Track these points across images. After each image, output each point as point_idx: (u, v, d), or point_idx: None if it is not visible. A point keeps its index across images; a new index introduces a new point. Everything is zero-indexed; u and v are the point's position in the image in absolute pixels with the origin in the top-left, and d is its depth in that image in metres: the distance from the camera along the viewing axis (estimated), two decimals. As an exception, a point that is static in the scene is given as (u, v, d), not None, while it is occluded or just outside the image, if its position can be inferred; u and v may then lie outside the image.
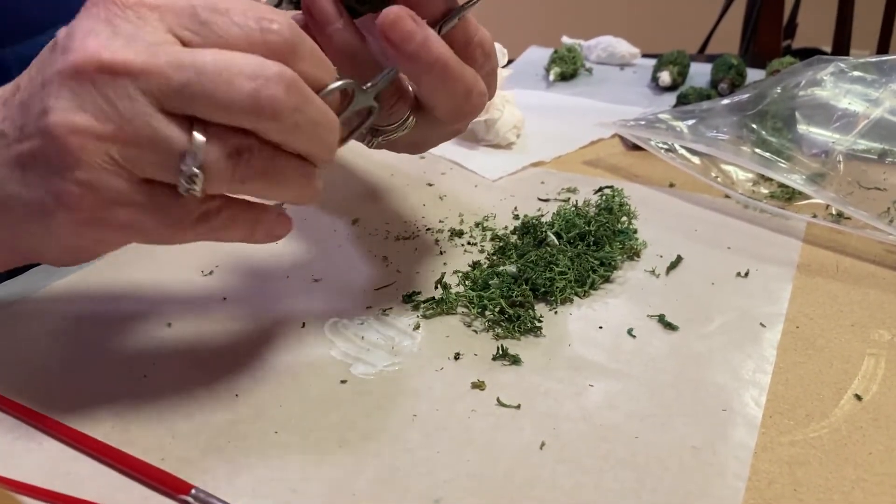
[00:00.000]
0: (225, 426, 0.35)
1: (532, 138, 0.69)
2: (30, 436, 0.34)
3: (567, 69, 0.87)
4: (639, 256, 0.49)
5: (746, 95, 0.62)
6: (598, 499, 0.31)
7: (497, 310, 0.42)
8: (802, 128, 0.61)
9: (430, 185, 0.60)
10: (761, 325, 0.42)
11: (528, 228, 0.50)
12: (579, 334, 0.42)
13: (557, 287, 0.44)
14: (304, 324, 0.42)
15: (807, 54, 1.50)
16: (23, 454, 0.33)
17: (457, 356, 0.40)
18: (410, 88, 0.37)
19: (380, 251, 0.50)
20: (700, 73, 0.87)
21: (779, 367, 0.39)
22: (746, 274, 0.47)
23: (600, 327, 0.42)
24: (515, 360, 0.39)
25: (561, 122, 0.72)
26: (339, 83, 0.32)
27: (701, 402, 0.37)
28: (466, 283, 0.45)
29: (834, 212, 0.55)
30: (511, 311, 0.42)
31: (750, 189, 0.58)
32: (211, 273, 0.47)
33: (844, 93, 0.61)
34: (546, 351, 0.40)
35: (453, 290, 0.45)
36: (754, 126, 0.59)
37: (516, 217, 0.54)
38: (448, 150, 0.66)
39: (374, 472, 0.33)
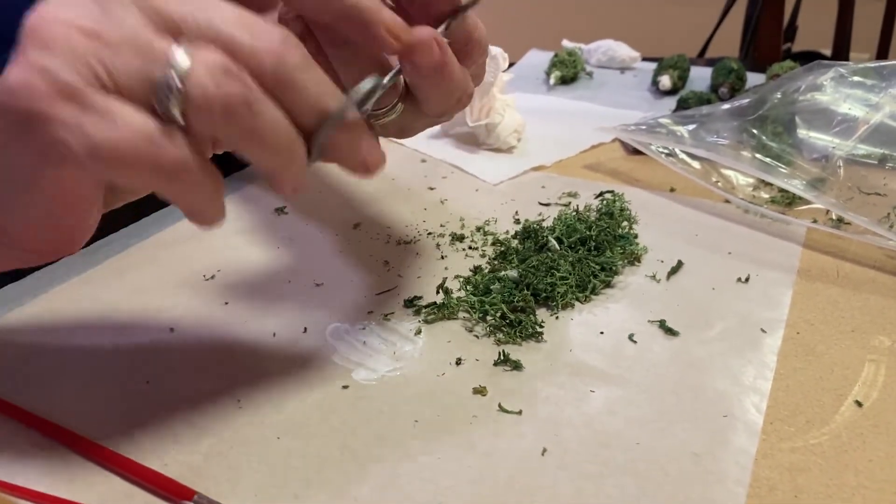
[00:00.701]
0: (227, 432, 0.35)
1: (533, 142, 0.69)
2: (32, 441, 0.34)
3: (567, 73, 0.87)
4: (640, 261, 0.49)
5: (747, 100, 0.62)
6: (599, 505, 0.31)
7: (498, 315, 0.42)
8: (802, 132, 0.61)
9: (432, 189, 0.60)
10: (762, 330, 0.43)
11: (530, 233, 0.50)
12: (580, 339, 0.42)
13: (559, 292, 0.44)
14: (305, 328, 0.42)
15: (807, 57, 1.50)
16: (25, 459, 0.33)
17: (458, 361, 0.40)
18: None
19: (381, 256, 0.50)
20: (700, 77, 0.88)
21: (779, 374, 0.39)
22: (747, 279, 0.47)
23: (601, 332, 0.42)
24: (517, 366, 0.39)
25: (561, 126, 0.73)
26: (371, 81, 0.31)
27: (701, 408, 0.37)
28: (468, 287, 0.45)
29: (834, 217, 0.55)
30: (512, 317, 0.42)
31: (750, 194, 0.58)
32: (213, 277, 0.47)
33: (844, 97, 0.61)
34: (547, 356, 0.40)
35: (454, 295, 0.45)
36: (755, 131, 0.59)
37: (517, 221, 0.54)
38: (449, 153, 0.66)
39: (376, 479, 0.33)
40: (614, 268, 0.47)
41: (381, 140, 0.33)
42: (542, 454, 0.34)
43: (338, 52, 0.34)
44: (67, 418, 0.35)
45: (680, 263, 0.49)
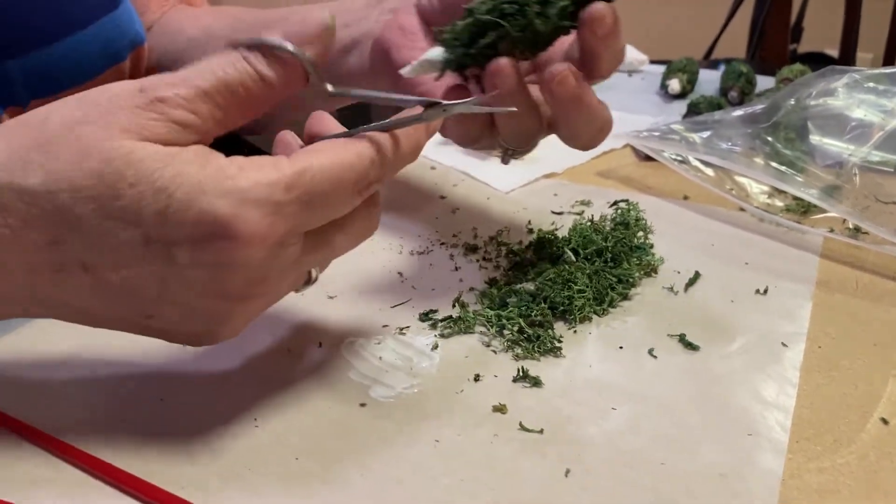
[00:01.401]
0: (245, 453, 0.34)
1: (543, 149, 0.67)
2: (48, 462, 0.34)
3: (575, 76, 0.86)
4: (656, 273, 0.49)
5: (760, 107, 0.62)
6: (625, 529, 0.31)
7: (516, 329, 0.42)
8: (815, 138, 0.60)
9: (443, 197, 0.59)
10: (783, 344, 0.42)
11: (544, 244, 0.50)
12: (599, 354, 0.41)
13: (576, 305, 0.44)
14: (320, 343, 0.42)
15: (813, 59, 1.50)
16: (41, 482, 0.33)
17: (476, 377, 0.39)
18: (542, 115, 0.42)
19: (394, 266, 0.49)
20: (709, 80, 0.87)
21: (802, 390, 0.39)
22: (765, 291, 0.47)
23: (620, 347, 0.42)
24: (536, 382, 0.39)
25: (571, 132, 0.72)
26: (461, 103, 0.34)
27: (725, 426, 0.36)
28: (484, 301, 0.45)
29: (851, 226, 0.54)
30: (530, 331, 0.42)
31: (765, 202, 0.58)
32: (224, 290, 0.46)
33: (858, 103, 0.61)
34: (567, 372, 0.40)
35: (471, 309, 0.44)
36: (768, 138, 0.59)
37: (531, 231, 0.54)
38: (459, 160, 0.65)
39: (397, 502, 0.32)
40: (631, 279, 0.47)
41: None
42: (566, 475, 0.33)
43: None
44: (80, 437, 0.34)
45: (697, 275, 0.48)
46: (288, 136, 0.34)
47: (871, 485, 0.33)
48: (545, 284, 0.44)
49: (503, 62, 0.39)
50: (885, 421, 0.37)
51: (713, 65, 1.17)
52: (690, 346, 0.42)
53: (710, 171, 0.59)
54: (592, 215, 0.52)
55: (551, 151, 0.67)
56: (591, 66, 0.40)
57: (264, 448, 0.35)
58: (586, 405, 0.37)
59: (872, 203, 0.54)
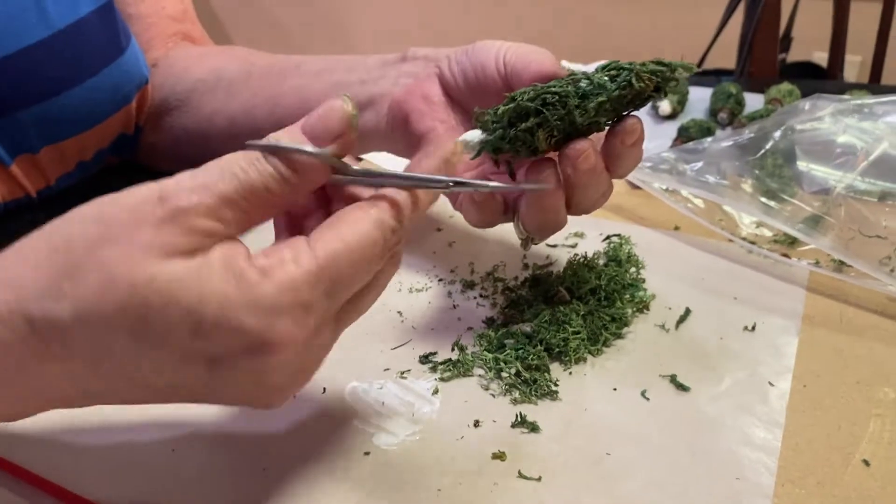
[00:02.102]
0: (255, 503, 0.36)
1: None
2: (65, 518, 0.35)
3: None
4: (648, 309, 0.50)
5: (748, 136, 0.63)
6: (620, 578, 0.33)
7: (513, 372, 0.43)
8: (802, 164, 0.62)
9: (439, 230, 0.61)
10: (770, 384, 0.44)
11: (539, 281, 0.51)
12: (594, 397, 0.43)
13: (571, 347, 0.45)
14: (324, 389, 0.43)
15: (801, 69, 1.51)
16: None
17: (476, 423, 0.41)
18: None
19: (394, 305, 0.51)
20: (699, 100, 0.88)
21: (788, 431, 0.40)
22: (753, 328, 0.48)
23: (614, 389, 0.43)
24: (534, 428, 0.40)
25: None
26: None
27: (715, 470, 0.38)
28: (482, 342, 0.46)
29: (835, 259, 0.56)
30: (527, 375, 0.43)
31: (753, 233, 0.59)
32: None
33: (844, 128, 0.62)
34: (563, 416, 0.41)
35: (469, 351, 0.46)
36: (756, 172, 0.60)
37: (526, 266, 0.55)
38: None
39: (403, 553, 0.34)
40: (624, 318, 0.48)
41: None
42: (563, 524, 0.35)
43: None
44: (90, 488, 0.36)
45: (688, 311, 0.50)
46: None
47: (853, 531, 0.35)
48: (541, 326, 0.46)
49: (584, 142, 0.41)
50: (866, 462, 0.38)
51: (703, 75, 1.19)
52: (681, 388, 0.43)
53: (699, 203, 0.61)
54: (586, 252, 0.53)
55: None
56: (610, 164, 0.43)
57: (273, 497, 0.36)
58: (582, 451, 0.39)
59: (857, 235, 0.55)
